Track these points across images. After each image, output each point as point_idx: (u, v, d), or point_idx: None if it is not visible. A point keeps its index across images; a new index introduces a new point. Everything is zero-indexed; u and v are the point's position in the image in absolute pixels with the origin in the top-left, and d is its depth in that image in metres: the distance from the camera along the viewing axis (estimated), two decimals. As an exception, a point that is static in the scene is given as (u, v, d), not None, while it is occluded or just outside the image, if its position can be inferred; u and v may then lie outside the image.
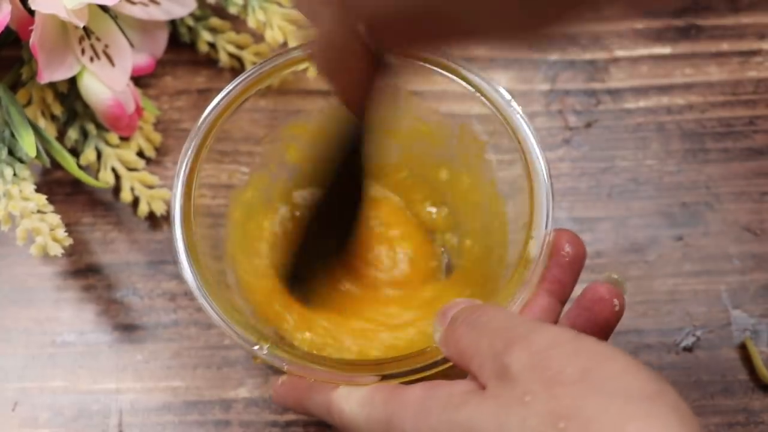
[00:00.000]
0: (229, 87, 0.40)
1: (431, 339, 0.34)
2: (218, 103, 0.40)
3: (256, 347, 0.35)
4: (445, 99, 0.43)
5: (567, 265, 0.36)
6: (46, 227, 0.42)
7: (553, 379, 0.28)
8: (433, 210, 0.46)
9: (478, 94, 0.39)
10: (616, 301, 0.34)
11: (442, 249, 0.45)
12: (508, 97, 0.39)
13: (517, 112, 0.39)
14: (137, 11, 0.47)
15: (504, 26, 0.28)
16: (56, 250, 0.42)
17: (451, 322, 0.33)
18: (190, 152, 0.39)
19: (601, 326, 0.34)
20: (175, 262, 0.37)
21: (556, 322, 0.36)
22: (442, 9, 0.27)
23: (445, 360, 0.34)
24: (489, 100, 0.39)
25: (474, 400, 0.29)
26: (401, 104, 0.43)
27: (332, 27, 0.30)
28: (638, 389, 0.27)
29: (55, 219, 0.42)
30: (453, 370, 0.33)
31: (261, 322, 0.40)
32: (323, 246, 0.39)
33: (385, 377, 0.34)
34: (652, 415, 0.26)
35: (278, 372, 0.37)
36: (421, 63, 0.40)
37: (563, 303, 0.36)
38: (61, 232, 0.42)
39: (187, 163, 0.39)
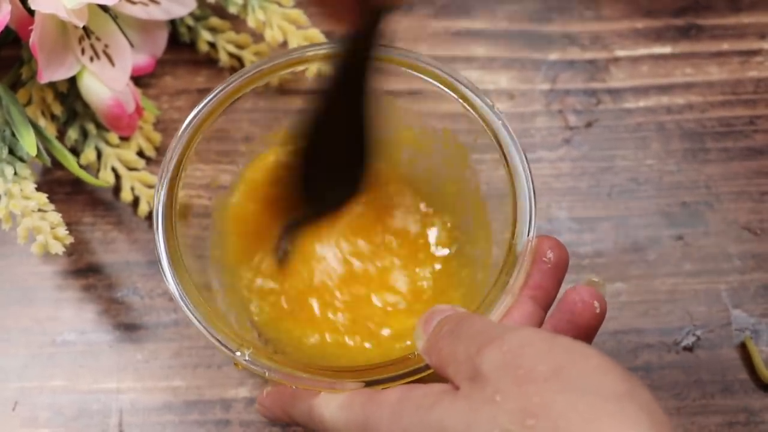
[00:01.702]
0: (220, 87, 0.40)
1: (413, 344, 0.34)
2: (205, 105, 0.40)
3: (238, 353, 0.35)
4: (428, 105, 0.43)
5: (549, 271, 0.36)
6: (47, 226, 0.42)
7: (523, 377, 0.28)
8: (419, 218, 0.45)
9: (460, 100, 0.39)
10: (596, 304, 0.34)
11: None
12: (490, 102, 0.39)
13: (499, 118, 0.39)
14: (137, 11, 0.47)
15: None
16: (57, 248, 0.42)
17: (433, 332, 0.33)
18: (173, 155, 0.39)
19: (583, 330, 0.34)
20: (163, 278, 0.37)
21: (539, 327, 0.35)
22: None
23: (427, 366, 0.34)
24: (471, 106, 0.39)
25: (446, 401, 0.29)
26: (385, 110, 0.43)
27: None
28: (610, 388, 0.27)
29: (55, 217, 0.42)
30: (436, 376, 0.33)
31: (244, 328, 0.40)
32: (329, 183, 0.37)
33: (367, 384, 0.34)
34: (622, 414, 0.26)
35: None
36: (405, 68, 0.40)
37: (546, 309, 0.36)
38: (62, 231, 0.42)
39: (169, 167, 0.38)
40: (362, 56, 0.34)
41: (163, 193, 0.38)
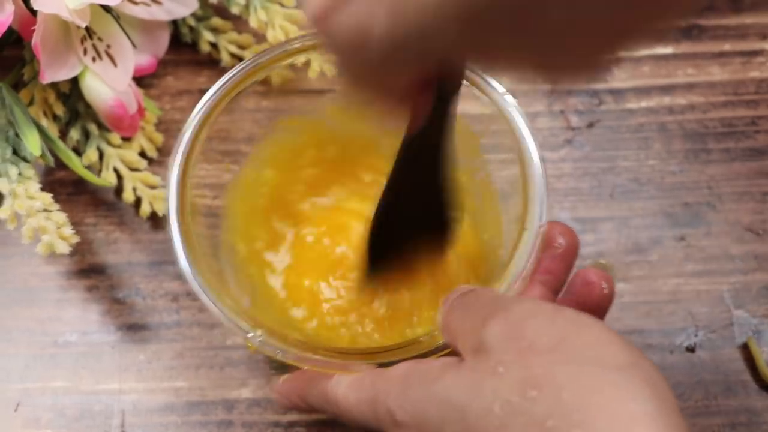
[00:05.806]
0: (221, 81, 0.40)
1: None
2: (211, 97, 0.40)
3: (251, 334, 0.35)
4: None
5: (560, 256, 0.36)
6: (52, 225, 0.42)
7: (526, 349, 0.28)
8: None
9: (471, 87, 0.39)
10: (604, 284, 0.34)
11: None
12: (501, 89, 0.39)
13: (510, 104, 0.39)
14: (139, 11, 0.47)
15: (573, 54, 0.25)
16: (63, 248, 0.42)
17: (448, 308, 0.33)
18: (183, 145, 0.39)
19: (593, 310, 0.34)
20: (174, 258, 0.37)
21: None
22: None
23: (439, 348, 0.34)
24: (482, 92, 0.39)
25: (450, 373, 0.29)
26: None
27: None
28: (612, 359, 0.27)
29: (61, 217, 0.42)
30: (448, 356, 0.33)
31: (260, 312, 0.40)
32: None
33: (380, 366, 0.34)
34: (623, 385, 0.26)
35: (276, 363, 0.37)
36: None
37: (556, 293, 0.37)
38: (67, 230, 0.42)
39: (181, 157, 0.38)
40: (434, 144, 0.32)
41: (174, 182, 0.38)
